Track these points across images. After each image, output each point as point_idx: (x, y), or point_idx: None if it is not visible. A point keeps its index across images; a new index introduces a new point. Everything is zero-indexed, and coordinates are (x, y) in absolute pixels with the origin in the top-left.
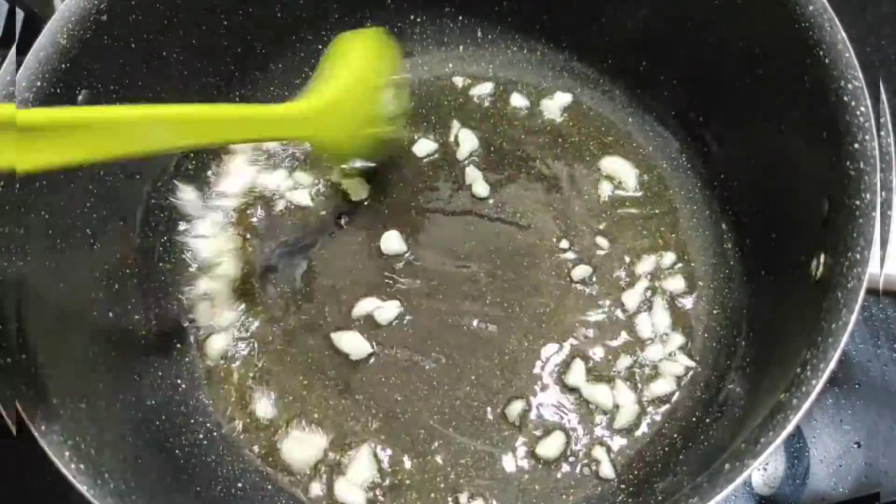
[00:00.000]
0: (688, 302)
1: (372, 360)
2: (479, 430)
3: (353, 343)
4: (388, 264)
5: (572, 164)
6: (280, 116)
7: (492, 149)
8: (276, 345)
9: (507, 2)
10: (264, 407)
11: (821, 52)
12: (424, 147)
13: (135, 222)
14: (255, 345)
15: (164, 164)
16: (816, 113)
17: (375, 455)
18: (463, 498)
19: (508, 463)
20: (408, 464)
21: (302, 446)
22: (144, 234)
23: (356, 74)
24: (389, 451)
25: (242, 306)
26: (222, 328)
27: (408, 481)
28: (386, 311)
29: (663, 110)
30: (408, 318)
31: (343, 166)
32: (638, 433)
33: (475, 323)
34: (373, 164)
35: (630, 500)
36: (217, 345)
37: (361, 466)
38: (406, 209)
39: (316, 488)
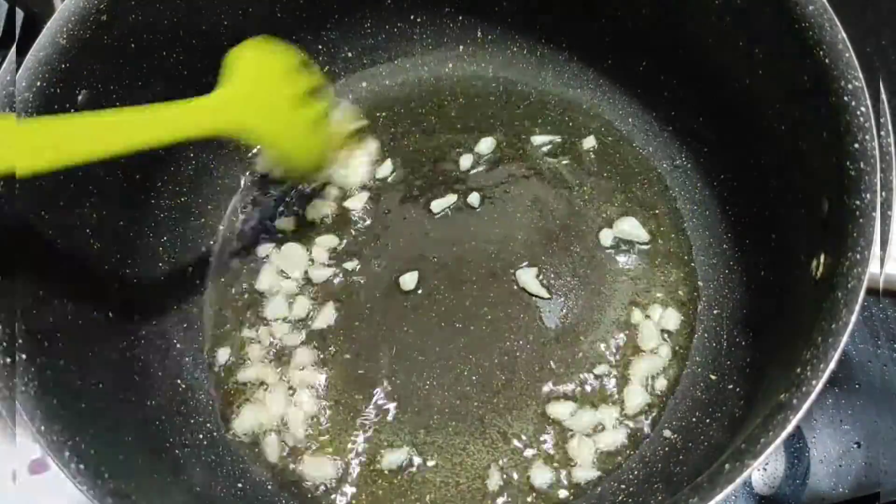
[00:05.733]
0: (688, 302)
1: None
2: (478, 429)
3: None
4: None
5: (572, 164)
6: (196, 109)
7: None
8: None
9: (507, 2)
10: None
11: (821, 52)
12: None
13: (135, 222)
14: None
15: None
16: (816, 113)
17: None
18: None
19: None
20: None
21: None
22: (144, 234)
23: (260, 67)
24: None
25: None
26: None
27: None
28: None
29: (663, 110)
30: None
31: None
32: (638, 433)
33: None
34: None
35: (630, 500)
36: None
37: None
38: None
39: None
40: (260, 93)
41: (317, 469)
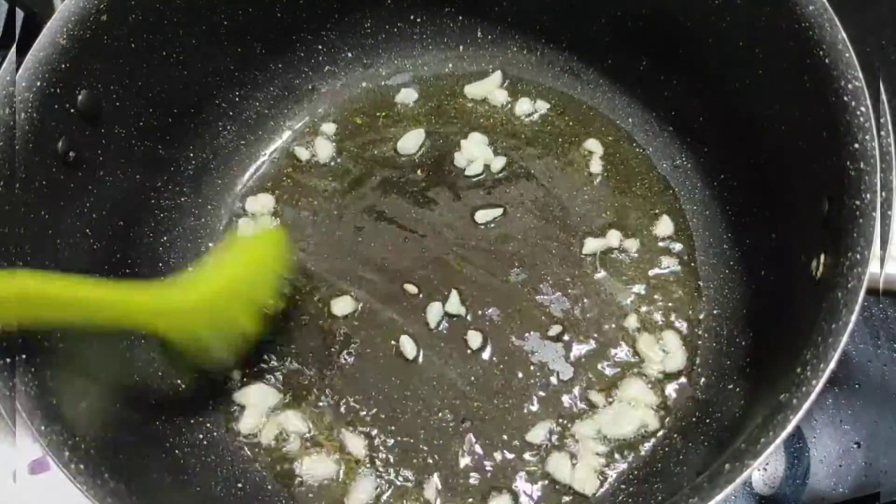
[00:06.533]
0: (688, 302)
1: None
2: (477, 430)
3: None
4: None
5: (572, 164)
6: (148, 305)
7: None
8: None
9: (507, 2)
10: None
11: (821, 52)
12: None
13: (135, 222)
14: None
15: None
16: (816, 113)
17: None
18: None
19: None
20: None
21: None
22: (144, 234)
23: (242, 273)
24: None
25: None
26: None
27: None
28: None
29: (663, 110)
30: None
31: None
32: (638, 433)
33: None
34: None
35: (630, 499)
36: None
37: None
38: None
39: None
40: (227, 304)
41: (316, 469)
